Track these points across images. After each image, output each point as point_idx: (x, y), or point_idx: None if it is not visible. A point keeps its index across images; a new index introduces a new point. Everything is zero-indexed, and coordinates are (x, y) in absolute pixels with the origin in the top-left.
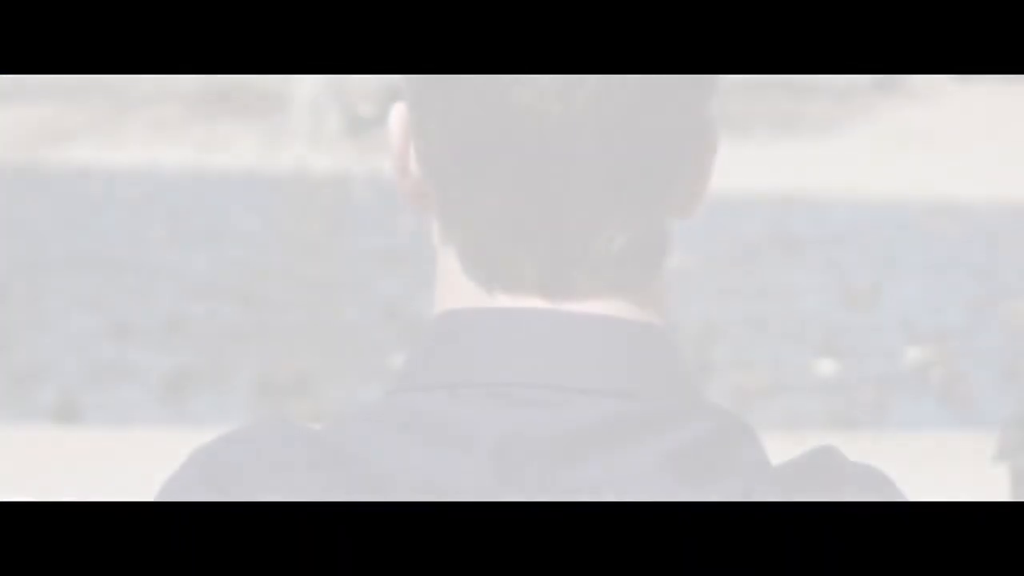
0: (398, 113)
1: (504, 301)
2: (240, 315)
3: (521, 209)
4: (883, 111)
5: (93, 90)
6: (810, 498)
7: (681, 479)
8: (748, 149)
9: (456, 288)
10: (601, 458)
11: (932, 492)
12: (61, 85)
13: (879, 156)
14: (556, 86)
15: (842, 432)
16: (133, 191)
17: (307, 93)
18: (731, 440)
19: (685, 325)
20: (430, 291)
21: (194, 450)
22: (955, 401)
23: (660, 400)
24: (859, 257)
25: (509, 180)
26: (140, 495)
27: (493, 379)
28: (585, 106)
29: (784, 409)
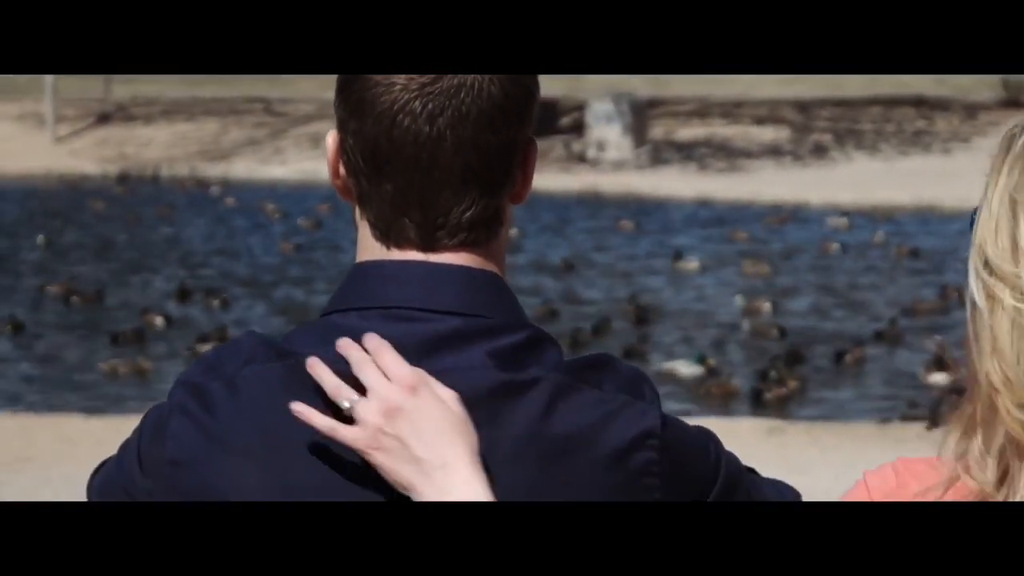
0: (332, 136)
1: (395, 255)
2: None
3: (405, 195)
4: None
5: (253, 108)
6: (582, 379)
7: (500, 367)
8: (877, 164)
9: (366, 247)
10: (450, 354)
11: None
12: (221, 103)
13: None
14: (426, 114)
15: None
16: (294, 205)
17: None
18: (539, 345)
19: (810, 335)
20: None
21: (203, 352)
22: None
23: (492, 319)
24: None
25: (398, 177)
26: None
27: (385, 304)
28: (444, 127)
29: (898, 410)
